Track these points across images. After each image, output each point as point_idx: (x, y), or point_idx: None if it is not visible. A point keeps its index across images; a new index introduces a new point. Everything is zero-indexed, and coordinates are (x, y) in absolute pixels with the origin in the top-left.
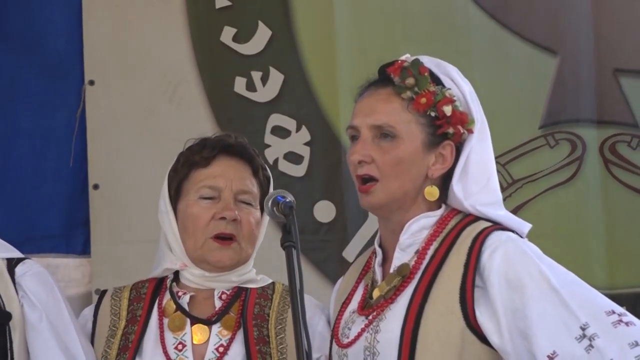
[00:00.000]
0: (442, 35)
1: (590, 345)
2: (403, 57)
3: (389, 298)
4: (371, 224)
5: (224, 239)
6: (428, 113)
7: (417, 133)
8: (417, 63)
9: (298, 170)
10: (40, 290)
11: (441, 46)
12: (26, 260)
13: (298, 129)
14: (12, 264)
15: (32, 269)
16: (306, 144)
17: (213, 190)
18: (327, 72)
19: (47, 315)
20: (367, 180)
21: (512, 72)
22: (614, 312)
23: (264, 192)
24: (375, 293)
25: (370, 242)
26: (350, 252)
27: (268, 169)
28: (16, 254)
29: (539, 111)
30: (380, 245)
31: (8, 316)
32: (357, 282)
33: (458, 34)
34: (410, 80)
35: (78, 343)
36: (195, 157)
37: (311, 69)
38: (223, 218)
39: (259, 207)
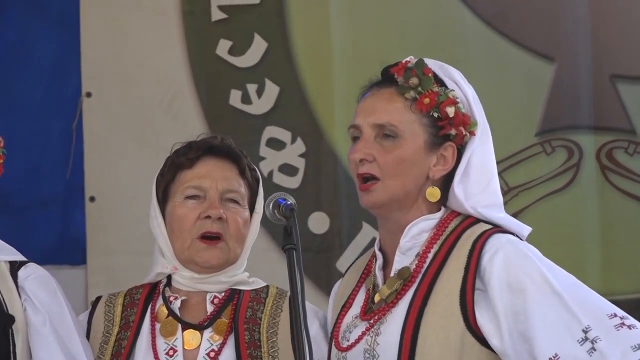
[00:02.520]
0: (439, 44)
1: (593, 348)
2: (407, 59)
3: (391, 302)
4: (365, 235)
5: (210, 238)
6: (431, 114)
7: (419, 133)
8: (421, 64)
9: (292, 182)
10: (44, 294)
11: (438, 55)
12: (29, 264)
13: (293, 141)
14: (15, 267)
15: (35, 273)
16: (301, 155)
17: (198, 190)
18: (323, 84)
19: (50, 319)
20: (368, 179)
21: (509, 80)
22: (616, 315)
23: (252, 192)
24: (377, 297)
25: (363, 253)
26: (344, 263)
27: (257, 170)
28: (19, 257)
29: (535, 118)
30: (380, 249)
31: (11, 319)
32: (358, 286)
33: (455, 43)
34: (414, 80)
35: (80, 348)
36: (180, 159)
37: (307, 80)
38: (208, 217)
39: (247, 207)
